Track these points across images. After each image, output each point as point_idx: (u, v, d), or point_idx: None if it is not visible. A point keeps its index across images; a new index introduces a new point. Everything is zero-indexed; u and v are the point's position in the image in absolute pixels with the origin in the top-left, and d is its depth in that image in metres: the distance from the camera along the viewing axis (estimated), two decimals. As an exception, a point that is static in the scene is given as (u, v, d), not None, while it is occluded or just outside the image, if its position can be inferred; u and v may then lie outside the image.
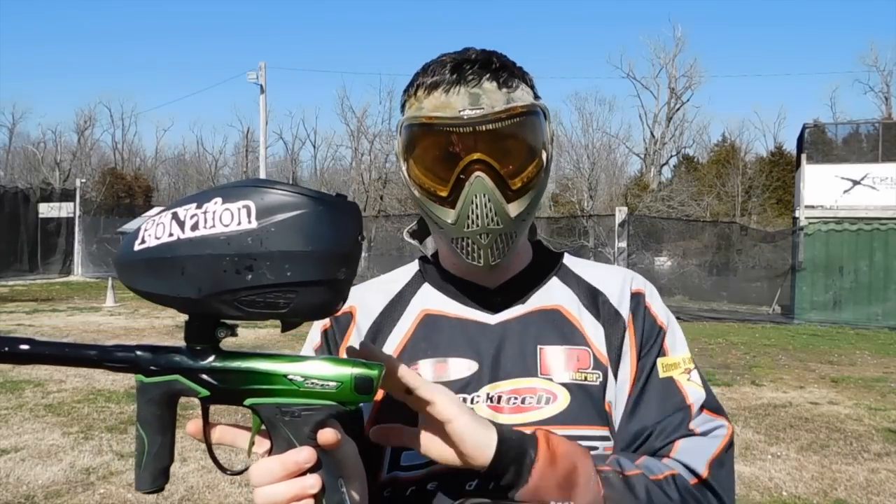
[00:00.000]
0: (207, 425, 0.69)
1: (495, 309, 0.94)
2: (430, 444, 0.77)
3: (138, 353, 0.66)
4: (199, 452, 4.86)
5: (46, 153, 46.24)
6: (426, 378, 0.82)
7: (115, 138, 52.47)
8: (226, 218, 0.59)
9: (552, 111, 0.95)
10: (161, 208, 0.69)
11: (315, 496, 0.65)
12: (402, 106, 0.95)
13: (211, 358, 0.66)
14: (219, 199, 0.60)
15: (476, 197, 0.85)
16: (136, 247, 0.63)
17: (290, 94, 76.21)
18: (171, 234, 0.61)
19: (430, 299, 0.97)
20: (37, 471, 4.46)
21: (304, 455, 0.65)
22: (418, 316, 0.96)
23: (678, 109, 39.74)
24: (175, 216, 0.61)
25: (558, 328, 0.92)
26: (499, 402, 0.87)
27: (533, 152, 0.89)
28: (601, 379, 0.89)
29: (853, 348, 10.23)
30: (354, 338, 0.96)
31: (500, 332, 0.92)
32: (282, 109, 60.28)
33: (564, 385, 0.87)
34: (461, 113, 0.85)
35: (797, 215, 16.35)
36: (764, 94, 74.88)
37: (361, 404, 0.69)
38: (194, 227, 0.60)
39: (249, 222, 0.59)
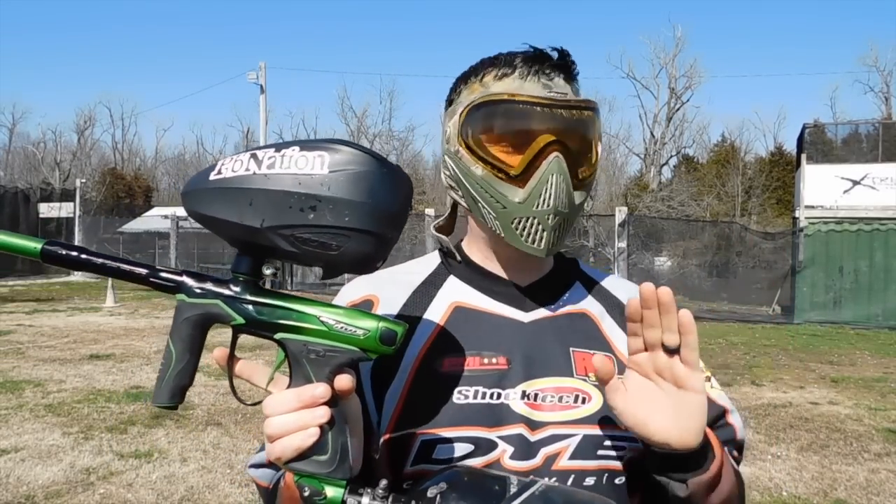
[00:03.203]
0: (233, 356, 0.71)
1: (527, 308, 0.94)
2: (641, 411, 0.77)
3: (185, 276, 0.71)
4: (199, 453, 4.87)
5: (46, 153, 46.26)
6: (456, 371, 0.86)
7: (115, 138, 52.65)
8: (301, 163, 0.65)
9: None
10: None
11: (322, 427, 0.68)
12: (454, 94, 0.94)
13: (252, 290, 0.70)
14: (296, 148, 0.66)
15: (552, 176, 0.84)
16: (212, 176, 0.68)
17: (290, 94, 76.50)
18: (247, 169, 0.66)
19: (460, 292, 0.95)
20: (37, 471, 4.46)
21: (320, 390, 0.68)
22: (449, 308, 0.93)
23: (678, 109, 39.80)
24: (254, 156, 0.67)
25: (586, 332, 0.93)
26: (536, 399, 0.87)
27: (596, 148, 0.91)
28: None
29: (853, 348, 10.22)
30: None
31: (533, 330, 0.92)
32: (282, 109, 60.65)
33: (596, 387, 0.88)
34: (547, 93, 0.86)
35: (797, 215, 16.35)
36: (764, 94, 74.99)
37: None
38: (270, 166, 0.66)
39: (322, 169, 0.65)
